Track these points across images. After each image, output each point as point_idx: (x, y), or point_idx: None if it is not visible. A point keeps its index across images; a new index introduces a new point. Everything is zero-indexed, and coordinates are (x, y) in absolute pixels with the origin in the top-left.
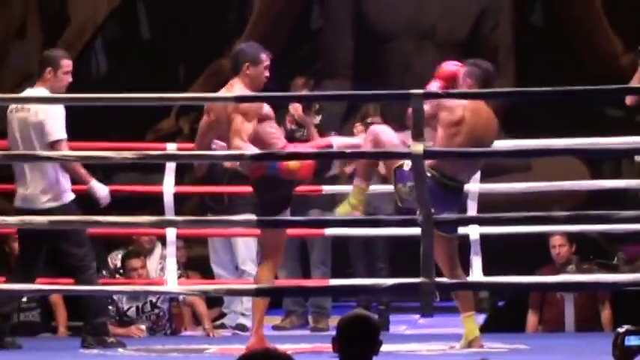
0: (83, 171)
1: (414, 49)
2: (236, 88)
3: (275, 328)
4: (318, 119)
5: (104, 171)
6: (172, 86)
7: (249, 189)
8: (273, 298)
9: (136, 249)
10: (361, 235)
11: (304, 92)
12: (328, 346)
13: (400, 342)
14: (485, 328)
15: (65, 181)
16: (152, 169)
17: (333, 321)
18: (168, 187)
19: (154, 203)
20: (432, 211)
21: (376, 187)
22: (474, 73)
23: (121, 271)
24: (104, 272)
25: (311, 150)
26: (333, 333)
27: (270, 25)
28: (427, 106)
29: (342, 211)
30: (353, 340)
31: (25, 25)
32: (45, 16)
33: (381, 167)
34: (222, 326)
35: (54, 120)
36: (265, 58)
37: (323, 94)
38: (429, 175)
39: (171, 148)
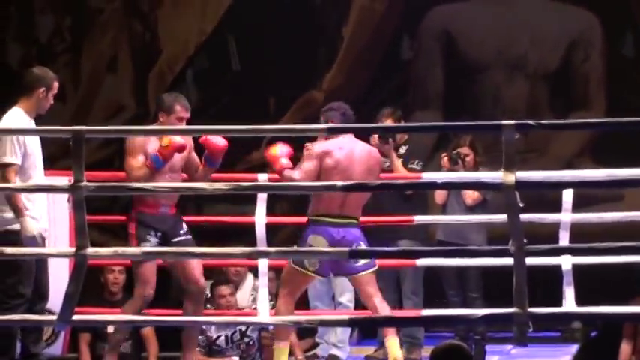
0: (21, 205)
1: (504, 80)
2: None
3: (368, 358)
4: (403, 150)
5: (195, 202)
6: (262, 118)
7: None
8: (367, 329)
9: (225, 277)
10: (454, 265)
11: (387, 123)
12: None
13: None
14: (578, 359)
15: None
16: (243, 200)
17: (427, 351)
18: (260, 217)
19: (246, 234)
20: (525, 241)
21: (464, 218)
22: (333, 115)
23: (212, 300)
24: None
25: (401, 181)
26: None
27: (359, 57)
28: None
29: None
30: None
31: (116, 59)
32: (135, 50)
33: (468, 197)
34: (315, 356)
35: (4, 141)
36: (180, 109)
37: (414, 126)
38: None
39: (263, 178)
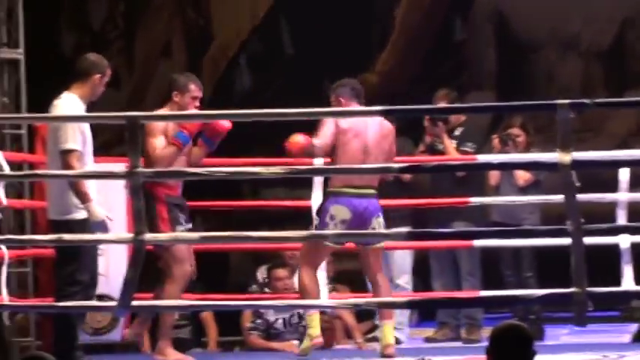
0: (85, 190)
1: (558, 59)
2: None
3: (427, 339)
4: (458, 132)
5: (252, 187)
6: (316, 101)
7: (404, 201)
8: (426, 310)
9: (282, 260)
10: (510, 246)
11: (442, 104)
12: (480, 358)
13: (554, 352)
14: (637, 338)
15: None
16: (299, 184)
17: (486, 332)
18: (317, 201)
19: (302, 218)
20: (582, 220)
21: (520, 198)
22: (342, 92)
23: (269, 284)
24: (254, 286)
25: (455, 162)
26: (486, 344)
27: (412, 38)
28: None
29: (305, 345)
30: (506, 351)
31: (169, 44)
32: (189, 35)
33: (520, 178)
34: (374, 339)
35: (65, 127)
36: (194, 89)
37: (467, 107)
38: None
39: (319, 162)
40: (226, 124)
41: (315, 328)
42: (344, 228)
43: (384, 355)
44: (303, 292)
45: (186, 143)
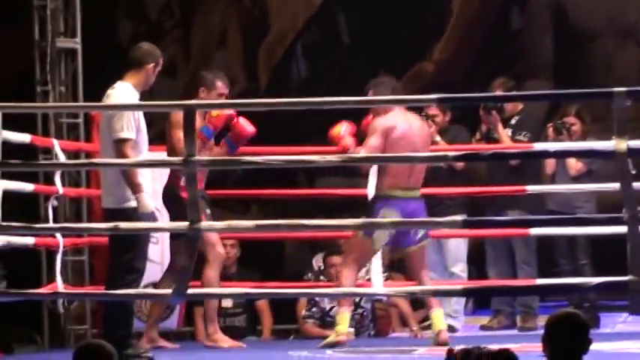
0: (138, 181)
1: (615, 48)
2: None
3: (483, 328)
4: (514, 121)
5: (307, 175)
6: None
7: (458, 190)
8: (481, 298)
9: (337, 248)
10: (565, 234)
11: (499, 93)
12: (536, 346)
13: (609, 340)
14: None
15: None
16: (355, 173)
17: (541, 320)
18: (372, 189)
19: (358, 206)
20: (639, 208)
21: (575, 187)
22: (384, 90)
23: (324, 271)
24: (309, 275)
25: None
26: (541, 332)
27: (469, 27)
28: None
29: (329, 340)
30: (563, 339)
31: (225, 34)
32: (245, 24)
33: (571, 168)
34: (430, 327)
35: (120, 116)
36: (220, 86)
37: (524, 95)
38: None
39: None
40: (250, 129)
41: (343, 325)
42: (394, 232)
43: (438, 343)
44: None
45: (209, 138)
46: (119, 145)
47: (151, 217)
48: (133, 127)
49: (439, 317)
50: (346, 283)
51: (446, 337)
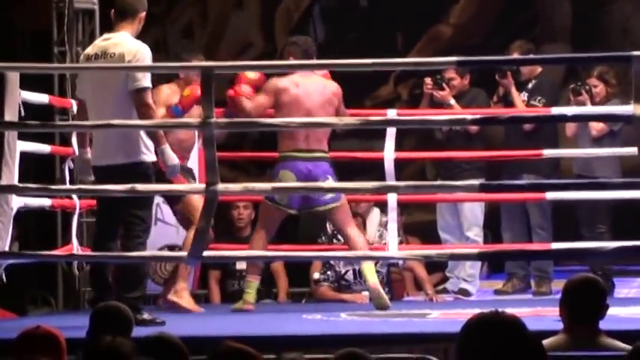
0: (161, 132)
1: (634, 11)
2: None
3: (497, 292)
4: (531, 85)
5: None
6: (390, 54)
7: (474, 154)
8: (496, 262)
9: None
10: (585, 199)
11: (515, 56)
12: (550, 310)
13: (624, 305)
14: None
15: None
16: (371, 136)
17: (555, 285)
18: (389, 152)
19: (373, 169)
20: None
21: (592, 151)
22: (293, 50)
23: (339, 237)
24: (323, 238)
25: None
26: (556, 297)
27: None
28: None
29: (236, 306)
30: (580, 303)
31: None
32: None
33: (593, 129)
34: (445, 291)
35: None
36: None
37: (537, 58)
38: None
39: (392, 113)
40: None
41: (250, 294)
42: (289, 196)
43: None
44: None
45: (177, 116)
46: (142, 94)
47: (176, 169)
48: (149, 76)
49: (369, 270)
50: (255, 248)
51: (385, 302)
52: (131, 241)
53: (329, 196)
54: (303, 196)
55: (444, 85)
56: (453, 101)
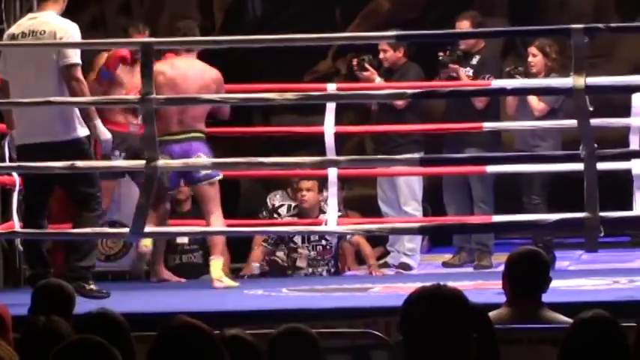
0: (92, 107)
1: None
2: None
3: (445, 264)
4: (475, 60)
5: (263, 113)
6: (328, 28)
7: (412, 127)
8: (437, 236)
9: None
10: (523, 172)
11: (464, 28)
12: (491, 283)
13: (565, 278)
14: None
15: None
16: (310, 111)
17: (496, 258)
18: (329, 127)
19: (313, 144)
20: (595, 145)
21: (530, 123)
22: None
23: (279, 211)
24: (264, 213)
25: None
26: (497, 270)
27: None
28: None
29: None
30: (524, 276)
31: None
32: None
33: (535, 109)
34: (386, 265)
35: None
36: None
37: (478, 31)
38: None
39: (332, 88)
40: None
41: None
42: (169, 175)
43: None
44: None
45: (105, 78)
46: (72, 70)
47: (110, 143)
48: (78, 52)
49: (216, 265)
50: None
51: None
52: (90, 213)
53: (203, 173)
54: (182, 173)
55: (367, 66)
56: (378, 79)
